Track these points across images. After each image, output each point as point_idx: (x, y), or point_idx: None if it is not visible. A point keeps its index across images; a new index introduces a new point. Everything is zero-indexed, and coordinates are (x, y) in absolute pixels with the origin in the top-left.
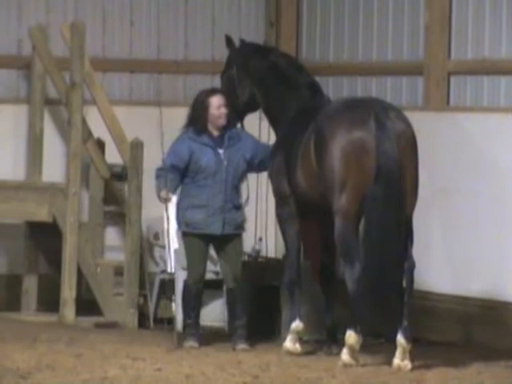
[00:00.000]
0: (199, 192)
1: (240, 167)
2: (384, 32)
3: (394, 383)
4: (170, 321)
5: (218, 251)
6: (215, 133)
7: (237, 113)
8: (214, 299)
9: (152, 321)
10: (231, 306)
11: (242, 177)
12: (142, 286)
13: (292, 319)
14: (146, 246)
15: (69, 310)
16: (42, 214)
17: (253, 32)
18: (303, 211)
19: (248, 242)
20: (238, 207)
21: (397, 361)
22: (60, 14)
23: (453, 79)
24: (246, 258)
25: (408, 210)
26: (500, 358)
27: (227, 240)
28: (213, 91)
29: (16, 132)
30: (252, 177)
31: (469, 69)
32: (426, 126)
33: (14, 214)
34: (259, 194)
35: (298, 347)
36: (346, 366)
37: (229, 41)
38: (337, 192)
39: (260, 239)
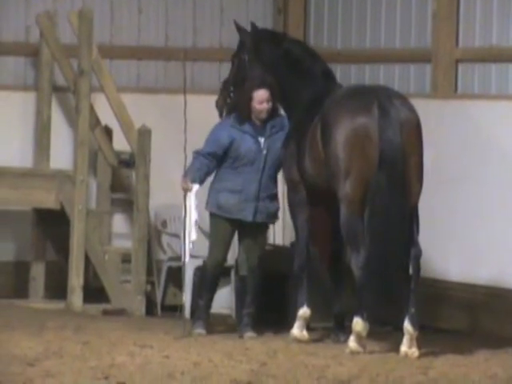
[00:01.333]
0: (236, 177)
1: (279, 157)
2: (392, 19)
3: (401, 370)
4: (180, 308)
5: (240, 237)
6: (257, 122)
7: (230, 97)
8: (222, 286)
9: (160, 308)
10: (241, 294)
11: (279, 166)
12: (149, 273)
13: (300, 306)
14: (154, 234)
15: (76, 297)
16: (50, 201)
17: (261, 19)
18: (312, 198)
19: None
20: (273, 196)
21: (404, 348)
22: (68, 1)
23: (460, 67)
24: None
25: (413, 198)
26: (507, 346)
27: (253, 228)
28: (259, 85)
29: (24, 119)
30: None
31: (476, 56)
32: (434, 114)
33: (22, 201)
34: None
35: (305, 334)
36: (353, 353)
37: (238, 27)
38: (341, 179)
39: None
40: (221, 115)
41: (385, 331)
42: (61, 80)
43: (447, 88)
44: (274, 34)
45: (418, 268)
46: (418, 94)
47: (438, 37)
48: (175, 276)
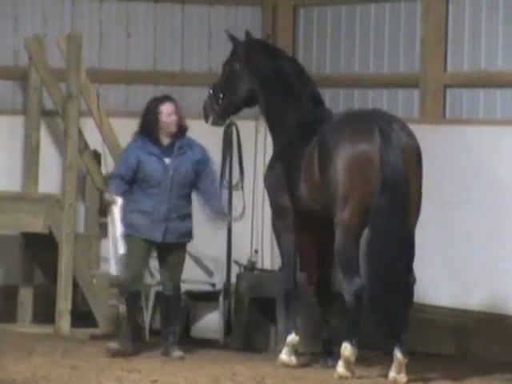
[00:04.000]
0: (145, 199)
1: (188, 176)
2: (380, 44)
3: None
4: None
5: (160, 258)
6: (165, 141)
7: (233, 106)
8: (210, 311)
9: (147, 332)
10: (166, 313)
11: (191, 186)
12: None
13: (288, 332)
14: None
15: (64, 322)
16: (38, 226)
17: None
18: (302, 223)
19: (244, 254)
20: (185, 216)
21: (392, 374)
22: (57, 24)
23: (449, 92)
24: (241, 269)
25: (412, 223)
26: (497, 371)
27: (170, 248)
28: (163, 98)
29: (12, 143)
30: (248, 189)
31: (465, 81)
32: (422, 139)
33: (10, 225)
34: (255, 206)
35: (293, 359)
36: (341, 378)
37: (231, 36)
38: (340, 204)
39: (256, 251)
40: (207, 119)
41: (373, 356)
42: (49, 104)
43: (435, 113)
44: (269, 48)
45: (411, 294)
46: (407, 119)
47: (427, 62)
48: (163, 300)
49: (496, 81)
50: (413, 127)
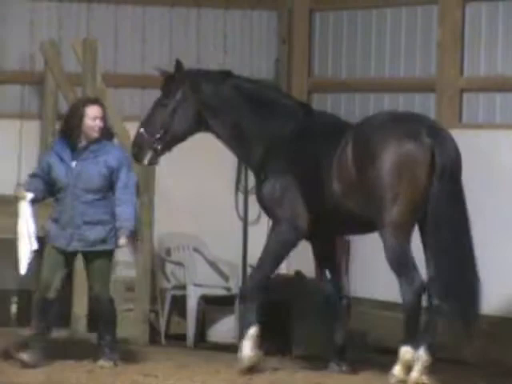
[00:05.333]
0: (56, 205)
1: (94, 181)
2: (397, 49)
3: None
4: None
5: (85, 267)
6: (82, 144)
7: (177, 139)
8: (225, 315)
9: (163, 337)
10: (102, 322)
11: (101, 191)
12: (153, 301)
13: (249, 325)
14: (158, 262)
15: (80, 326)
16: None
17: (264, 48)
18: (331, 226)
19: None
20: (95, 223)
21: (416, 375)
22: (72, 29)
23: (465, 96)
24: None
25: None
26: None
27: (90, 258)
28: (91, 101)
29: (28, 147)
30: None
31: (481, 85)
32: None
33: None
34: None
35: (258, 353)
36: (399, 382)
37: (163, 71)
38: (388, 205)
39: None
40: (142, 159)
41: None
42: (65, 108)
43: (451, 117)
44: (207, 71)
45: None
46: None
47: (443, 66)
48: (179, 304)
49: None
50: None
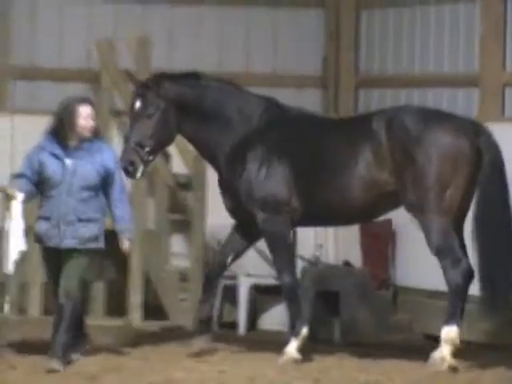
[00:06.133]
0: (46, 203)
1: (90, 179)
2: (440, 45)
3: None
4: (234, 325)
5: (62, 264)
6: (73, 143)
7: (161, 149)
8: (275, 304)
9: (216, 324)
10: (57, 321)
11: (95, 190)
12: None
13: (301, 324)
14: (210, 253)
15: (136, 315)
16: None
17: (312, 46)
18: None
19: (308, 249)
20: (87, 220)
21: (450, 360)
22: (127, 27)
23: (508, 90)
24: (306, 264)
25: None
26: None
27: (69, 252)
28: (83, 100)
29: None
30: None
31: None
32: None
33: None
34: None
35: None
36: (453, 369)
37: (131, 76)
38: (435, 193)
39: (320, 246)
40: (135, 174)
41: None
42: (120, 105)
43: (495, 111)
44: (187, 75)
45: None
46: (466, 116)
47: (486, 61)
48: (230, 294)
49: None
50: None
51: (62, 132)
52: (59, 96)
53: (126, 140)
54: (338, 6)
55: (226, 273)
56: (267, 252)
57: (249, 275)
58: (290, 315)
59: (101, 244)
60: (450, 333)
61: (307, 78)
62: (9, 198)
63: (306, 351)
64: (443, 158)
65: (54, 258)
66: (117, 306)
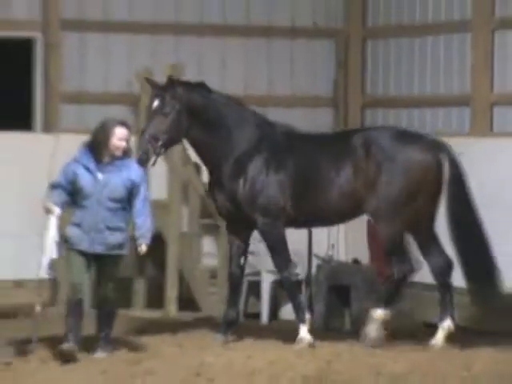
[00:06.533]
0: (78, 211)
1: (118, 192)
2: (436, 70)
3: (446, 367)
4: (258, 315)
5: (95, 269)
6: (106, 159)
7: (172, 144)
8: None
9: (242, 315)
10: (98, 320)
11: (122, 202)
12: None
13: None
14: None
15: (172, 307)
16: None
17: (324, 71)
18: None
19: (322, 248)
20: (115, 229)
21: (439, 343)
22: (163, 57)
23: (495, 109)
24: (320, 262)
25: None
26: None
27: (104, 261)
28: (120, 122)
29: None
30: None
31: (510, 100)
32: (472, 150)
33: None
34: None
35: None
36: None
37: (153, 82)
38: (402, 203)
39: (333, 245)
40: (146, 163)
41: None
42: None
43: (484, 128)
44: (198, 85)
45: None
46: (459, 133)
47: (476, 83)
48: (255, 288)
49: None
50: (464, 140)
51: (97, 149)
52: (103, 117)
53: (142, 133)
54: (347, 37)
55: (251, 270)
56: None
57: (270, 272)
58: (294, 306)
59: (124, 251)
60: (379, 314)
61: (320, 99)
62: (47, 211)
63: (320, 338)
64: (412, 173)
65: (80, 260)
66: (156, 299)
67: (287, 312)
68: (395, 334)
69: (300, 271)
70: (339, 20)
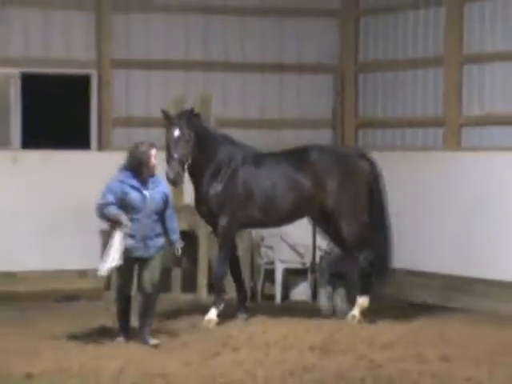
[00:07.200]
0: (132, 224)
1: (159, 204)
2: (415, 96)
3: (423, 337)
4: (272, 297)
5: (141, 265)
6: (144, 177)
7: (181, 168)
8: (301, 282)
9: (260, 297)
10: (144, 309)
11: (161, 212)
12: (252, 273)
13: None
14: (255, 246)
15: (202, 291)
16: (183, 226)
17: (325, 98)
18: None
19: (324, 242)
20: (158, 235)
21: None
22: (193, 88)
23: (463, 129)
24: (323, 253)
25: None
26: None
27: (149, 260)
28: (153, 144)
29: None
30: None
31: (476, 121)
32: (445, 163)
33: None
34: None
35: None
36: (360, 322)
37: (167, 114)
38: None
39: None
40: (177, 184)
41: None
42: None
43: (454, 144)
44: (196, 115)
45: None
46: (434, 148)
47: (448, 109)
48: (270, 275)
49: (500, 119)
50: (438, 154)
51: (138, 169)
52: (148, 138)
53: (171, 157)
54: (343, 72)
55: (267, 260)
56: (296, 245)
57: (283, 261)
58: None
59: (163, 251)
60: (365, 301)
61: (322, 121)
62: (119, 224)
63: (324, 316)
64: (353, 178)
65: (131, 264)
66: (189, 285)
67: (296, 294)
68: (384, 311)
69: (306, 260)
70: (336, 58)
